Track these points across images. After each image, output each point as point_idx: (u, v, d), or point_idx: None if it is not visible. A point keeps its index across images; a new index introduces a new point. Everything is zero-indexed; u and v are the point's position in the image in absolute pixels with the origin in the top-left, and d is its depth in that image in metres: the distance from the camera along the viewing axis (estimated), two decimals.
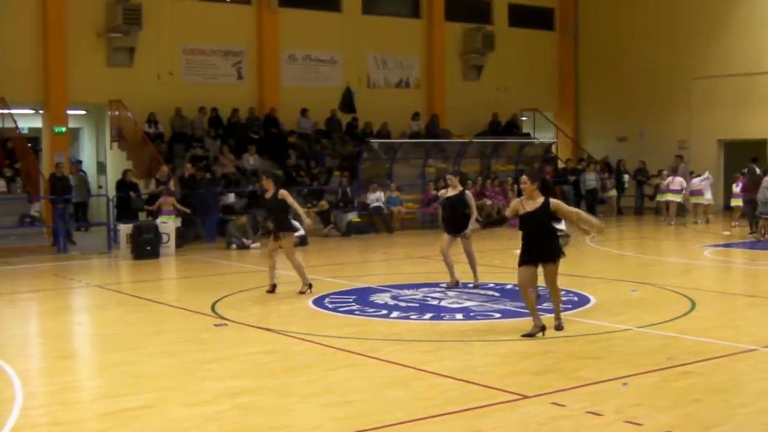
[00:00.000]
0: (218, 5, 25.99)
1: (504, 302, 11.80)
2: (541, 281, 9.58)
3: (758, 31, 27.51)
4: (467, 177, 14.54)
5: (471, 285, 13.08)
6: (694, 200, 24.85)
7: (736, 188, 22.79)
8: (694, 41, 28.76)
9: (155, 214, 19.90)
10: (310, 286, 12.80)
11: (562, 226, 10.12)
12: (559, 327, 9.73)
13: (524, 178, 9.55)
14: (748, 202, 21.33)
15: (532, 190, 9.44)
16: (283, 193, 12.66)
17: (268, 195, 12.88)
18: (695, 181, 24.74)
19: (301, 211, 13.03)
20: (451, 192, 13.01)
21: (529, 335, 9.43)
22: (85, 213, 24.63)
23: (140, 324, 11.05)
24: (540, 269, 9.49)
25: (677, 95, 29.22)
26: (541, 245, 9.43)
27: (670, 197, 24.80)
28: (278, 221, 12.86)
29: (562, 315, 9.98)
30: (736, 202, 22.93)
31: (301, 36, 26.76)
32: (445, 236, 13.02)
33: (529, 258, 9.41)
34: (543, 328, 9.49)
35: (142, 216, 21.03)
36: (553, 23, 32.89)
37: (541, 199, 9.42)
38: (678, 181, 24.66)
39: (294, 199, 12.95)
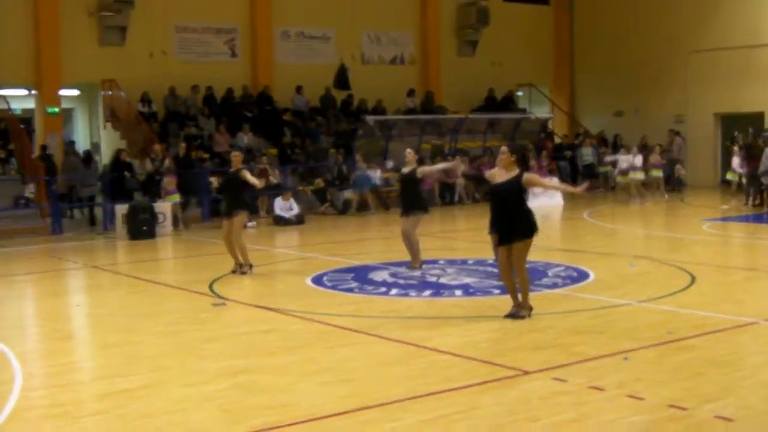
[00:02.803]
0: None
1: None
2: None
3: (756, 4, 27.38)
4: (440, 152, 14.16)
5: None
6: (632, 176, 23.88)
7: (735, 162, 22.58)
8: (691, 15, 28.60)
9: (161, 194, 19.89)
10: (251, 267, 12.78)
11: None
12: (517, 315, 9.04)
13: (504, 148, 9.13)
14: (751, 177, 21.29)
15: (509, 163, 8.93)
16: (244, 172, 12.72)
17: (232, 169, 12.87)
18: (630, 157, 24.00)
19: (255, 182, 12.85)
20: (407, 168, 12.60)
21: (511, 316, 9.09)
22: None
23: (138, 304, 11.00)
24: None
25: (674, 69, 29.11)
26: (507, 222, 8.92)
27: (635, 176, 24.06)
28: (234, 198, 12.85)
29: (560, 291, 9.92)
30: (734, 176, 22.70)
31: (294, 12, 26.57)
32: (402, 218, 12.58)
33: (500, 240, 9.03)
34: (530, 309, 9.16)
35: (137, 196, 20.94)
36: None
37: (515, 172, 8.95)
38: (639, 159, 24.06)
39: (251, 177, 12.88)
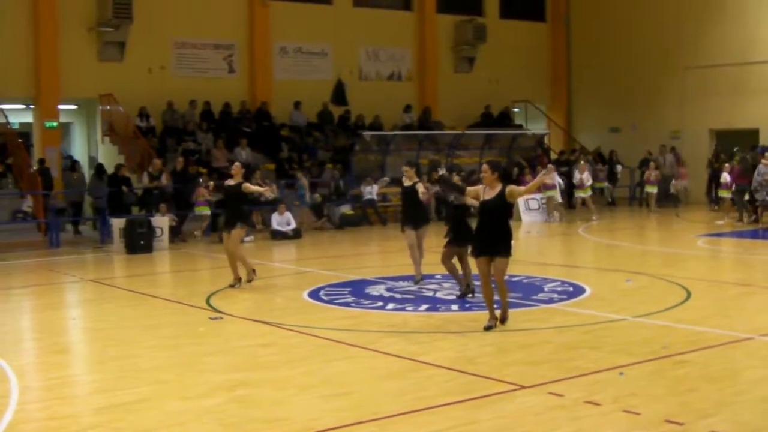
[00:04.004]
0: None
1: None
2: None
3: (751, 20, 27.52)
4: (429, 169, 13.88)
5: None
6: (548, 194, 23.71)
7: (727, 179, 22.46)
8: (686, 31, 28.77)
9: (191, 205, 20.22)
10: (240, 280, 12.83)
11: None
12: (495, 325, 9.42)
13: (485, 167, 9.42)
14: (739, 192, 21.34)
15: (492, 180, 9.30)
16: (246, 185, 12.79)
17: (233, 182, 12.91)
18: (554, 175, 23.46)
19: (261, 189, 13.11)
20: (406, 182, 12.52)
21: (488, 328, 9.36)
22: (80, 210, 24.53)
23: (135, 318, 11.01)
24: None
25: (670, 85, 29.24)
26: (494, 236, 9.26)
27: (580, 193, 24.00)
28: (234, 211, 12.91)
29: (556, 306, 9.98)
30: (725, 194, 22.52)
31: (293, 29, 26.68)
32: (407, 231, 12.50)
33: (481, 250, 9.36)
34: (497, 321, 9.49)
35: (135, 210, 20.98)
36: (544, 14, 32.86)
37: (499, 188, 9.28)
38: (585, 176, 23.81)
39: (254, 186, 13.07)
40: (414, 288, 12.31)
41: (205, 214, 20.32)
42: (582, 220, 23.22)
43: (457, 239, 11.21)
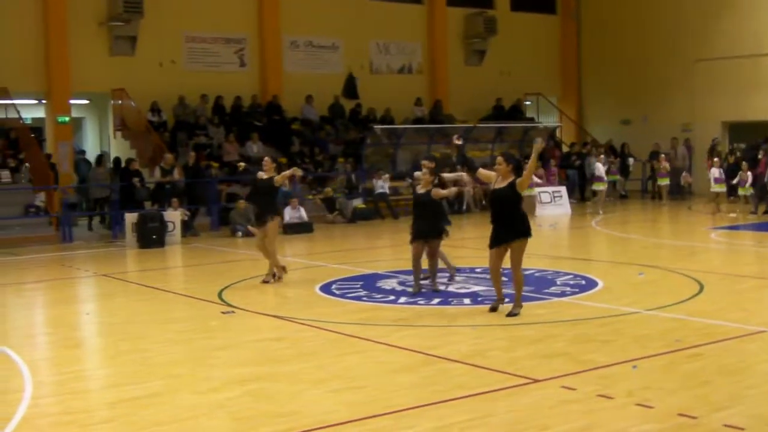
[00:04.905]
0: None
1: (511, 287, 11.74)
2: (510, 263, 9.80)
3: (763, 12, 27.37)
4: (448, 162, 13.18)
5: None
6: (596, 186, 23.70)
7: (716, 174, 21.96)
8: (697, 23, 28.61)
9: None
10: (275, 276, 12.80)
11: None
12: (498, 306, 9.95)
13: (500, 158, 9.83)
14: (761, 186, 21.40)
15: (506, 171, 9.69)
16: (277, 177, 12.87)
17: (265, 176, 12.92)
18: (598, 165, 23.77)
19: (289, 173, 13.23)
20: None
21: (493, 309, 9.93)
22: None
23: (148, 313, 11.04)
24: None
25: (681, 78, 29.10)
26: (509, 224, 9.64)
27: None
28: (267, 204, 12.93)
29: (569, 299, 9.96)
30: (719, 188, 21.84)
31: (303, 22, 26.67)
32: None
33: (497, 240, 9.71)
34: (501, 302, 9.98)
35: (147, 205, 21.04)
36: (555, 7, 32.76)
37: (511, 179, 9.66)
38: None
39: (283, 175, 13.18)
40: (426, 281, 12.23)
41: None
42: (591, 213, 23.16)
43: (425, 233, 11.33)
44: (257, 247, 13.13)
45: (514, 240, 9.63)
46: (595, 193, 24.27)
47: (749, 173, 21.64)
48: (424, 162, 11.88)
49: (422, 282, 11.68)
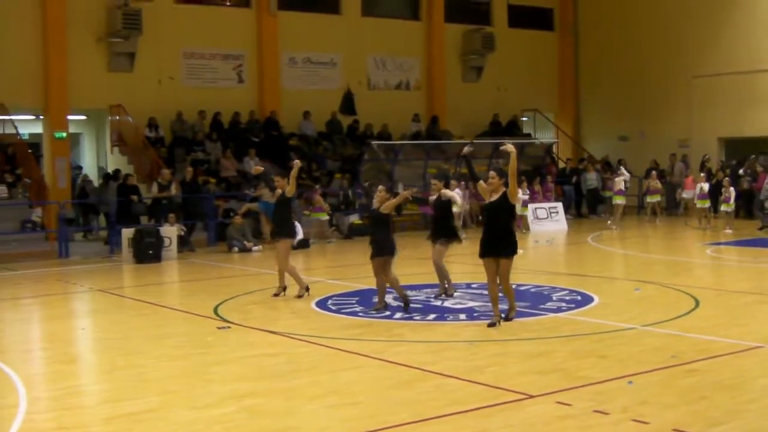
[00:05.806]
0: (218, 9, 26.07)
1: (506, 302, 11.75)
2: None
3: (759, 29, 27.47)
4: (445, 176, 13.41)
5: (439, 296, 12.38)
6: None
7: (705, 189, 22.10)
8: (694, 39, 28.74)
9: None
10: (308, 289, 12.78)
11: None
12: (499, 323, 10.10)
13: (492, 173, 10.17)
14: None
15: (498, 185, 10.05)
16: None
17: (279, 193, 12.96)
18: (618, 179, 23.74)
19: (293, 174, 13.05)
20: (435, 195, 12.24)
21: (491, 325, 10.01)
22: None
23: (144, 328, 11.03)
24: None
25: (678, 94, 29.19)
26: (499, 237, 10.00)
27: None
28: (282, 220, 12.93)
29: (564, 315, 9.97)
30: (704, 204, 22.19)
31: (301, 39, 26.76)
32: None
33: (487, 250, 10.04)
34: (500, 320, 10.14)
35: (144, 220, 21.04)
36: (552, 23, 32.89)
37: (502, 191, 10.02)
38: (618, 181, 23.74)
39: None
40: (421, 297, 12.27)
41: (320, 219, 21.48)
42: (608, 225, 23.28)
43: (381, 250, 11.53)
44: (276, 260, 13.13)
45: (502, 257, 9.97)
46: (610, 205, 24.36)
47: (732, 189, 21.75)
48: (434, 181, 12.49)
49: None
